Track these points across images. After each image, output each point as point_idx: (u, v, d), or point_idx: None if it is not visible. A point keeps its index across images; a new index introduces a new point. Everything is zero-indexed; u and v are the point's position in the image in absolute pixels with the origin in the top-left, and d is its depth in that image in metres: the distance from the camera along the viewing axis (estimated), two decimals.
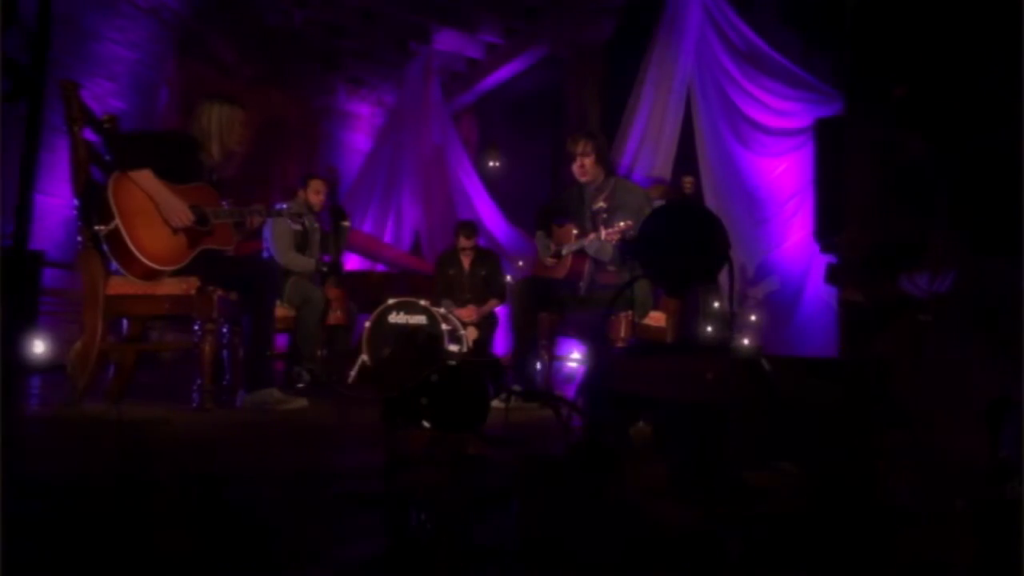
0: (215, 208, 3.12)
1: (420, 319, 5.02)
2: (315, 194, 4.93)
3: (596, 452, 1.34)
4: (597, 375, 1.56)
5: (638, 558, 1.11)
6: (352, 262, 7.51)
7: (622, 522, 1.27)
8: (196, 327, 3.01)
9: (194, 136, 3.23)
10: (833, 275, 3.67)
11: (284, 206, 3.67)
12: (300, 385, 4.38)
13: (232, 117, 3.25)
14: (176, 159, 3.10)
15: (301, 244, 4.73)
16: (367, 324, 5.05)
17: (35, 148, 1.65)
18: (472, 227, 5.69)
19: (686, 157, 5.81)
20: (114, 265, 2.95)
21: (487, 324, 5.52)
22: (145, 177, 2.93)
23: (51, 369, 4.17)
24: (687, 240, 1.54)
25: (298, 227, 4.61)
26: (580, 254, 3.81)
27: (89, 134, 3.02)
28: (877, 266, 3.38)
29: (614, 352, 3.14)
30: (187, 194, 3.04)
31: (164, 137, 3.34)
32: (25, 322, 3.40)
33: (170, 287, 2.99)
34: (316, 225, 4.90)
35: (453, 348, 4.93)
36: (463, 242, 5.55)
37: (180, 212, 2.95)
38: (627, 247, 3.53)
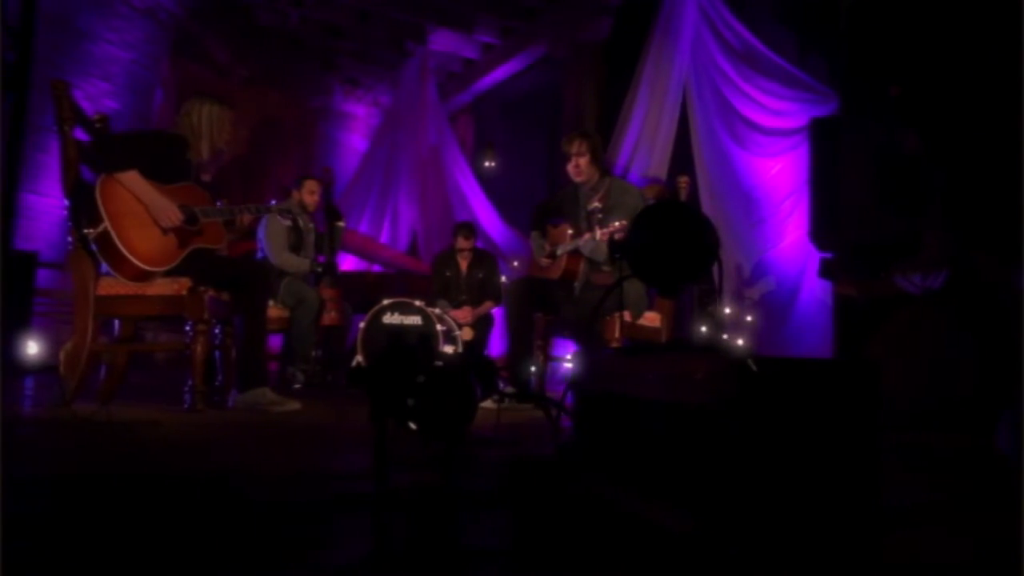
0: (204, 207, 3.10)
1: (415, 320, 5.01)
2: (310, 194, 4.92)
3: (584, 452, 1.33)
4: (584, 376, 1.55)
5: (631, 559, 1.10)
6: (348, 263, 7.50)
7: (613, 523, 1.26)
8: (188, 328, 2.99)
9: (181, 135, 3.21)
10: (827, 269, 3.67)
11: (273, 203, 3.66)
12: (296, 386, 4.37)
13: (222, 116, 3.24)
14: (163, 159, 3.08)
15: (296, 244, 4.72)
16: (362, 325, 5.04)
17: (19, 146, 1.63)
18: (471, 228, 5.68)
19: (682, 157, 5.79)
20: (105, 266, 2.93)
21: (483, 325, 5.50)
22: (132, 178, 2.92)
23: (44, 370, 4.15)
24: (674, 239, 1.52)
25: (288, 222, 4.58)
26: (575, 254, 3.79)
27: (82, 134, 3.01)
28: (872, 262, 3.37)
29: (602, 352, 3.14)
30: (175, 194, 3.02)
31: (150, 137, 3.32)
32: (18, 323, 3.38)
33: (161, 287, 2.98)
34: (311, 225, 4.88)
35: (448, 349, 4.91)
36: (461, 243, 5.53)
37: (169, 212, 2.94)
38: (615, 247, 3.51)
